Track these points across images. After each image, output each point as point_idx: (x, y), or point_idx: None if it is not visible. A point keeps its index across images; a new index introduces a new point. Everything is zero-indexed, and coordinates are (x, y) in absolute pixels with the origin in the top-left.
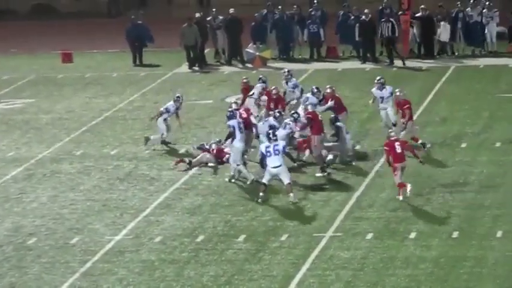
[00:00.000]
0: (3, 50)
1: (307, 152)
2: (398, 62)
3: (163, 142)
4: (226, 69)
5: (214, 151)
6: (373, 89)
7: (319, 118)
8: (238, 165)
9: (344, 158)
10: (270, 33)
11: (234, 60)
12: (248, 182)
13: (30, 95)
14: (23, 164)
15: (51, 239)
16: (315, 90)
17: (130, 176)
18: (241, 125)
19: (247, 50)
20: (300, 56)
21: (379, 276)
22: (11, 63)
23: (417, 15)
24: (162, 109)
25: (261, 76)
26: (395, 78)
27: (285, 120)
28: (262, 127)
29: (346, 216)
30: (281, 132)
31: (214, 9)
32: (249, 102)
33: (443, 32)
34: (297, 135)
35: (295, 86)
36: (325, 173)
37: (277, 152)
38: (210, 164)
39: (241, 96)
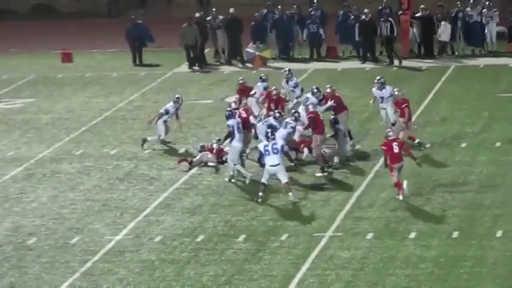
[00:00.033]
0: (3, 49)
1: (305, 151)
2: (398, 62)
3: (163, 142)
4: (226, 69)
5: (215, 150)
6: (373, 89)
7: (321, 118)
8: (235, 164)
9: (342, 160)
10: (270, 33)
11: (234, 60)
12: (247, 181)
13: (30, 95)
14: (22, 163)
15: (51, 239)
16: (315, 91)
17: (130, 176)
18: (240, 125)
19: (247, 49)
20: (300, 56)
21: (379, 276)
22: (11, 63)
23: (417, 15)
24: (162, 111)
25: (262, 75)
26: (395, 78)
27: (286, 120)
28: (262, 127)
29: (346, 216)
30: (282, 132)
31: (214, 9)
32: (251, 102)
33: (444, 31)
34: (296, 135)
35: (295, 85)
36: (325, 173)
37: (275, 151)
38: (209, 164)
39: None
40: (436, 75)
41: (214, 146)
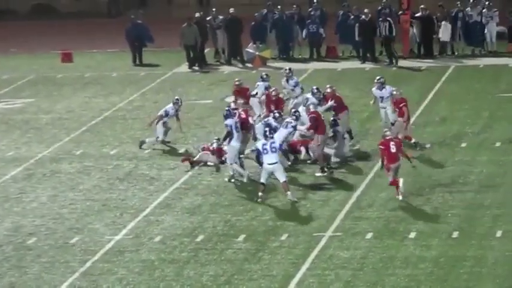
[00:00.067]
0: (3, 49)
1: (303, 151)
2: (398, 62)
3: (163, 142)
4: (226, 69)
5: (214, 150)
6: (373, 89)
7: (322, 118)
8: (231, 164)
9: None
10: (270, 33)
11: (233, 60)
12: (245, 180)
13: (29, 95)
14: (22, 163)
15: (51, 239)
16: (315, 91)
17: (130, 176)
18: (238, 124)
19: (247, 49)
20: (299, 56)
21: (379, 276)
22: (11, 63)
23: (417, 15)
24: (161, 113)
25: (262, 74)
26: (395, 77)
27: (286, 120)
28: (260, 127)
29: (346, 216)
30: (283, 132)
31: (214, 9)
32: (253, 102)
33: (444, 31)
34: (296, 135)
35: (296, 84)
36: (325, 173)
37: (273, 150)
38: (209, 163)
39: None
40: (436, 75)
41: (214, 145)
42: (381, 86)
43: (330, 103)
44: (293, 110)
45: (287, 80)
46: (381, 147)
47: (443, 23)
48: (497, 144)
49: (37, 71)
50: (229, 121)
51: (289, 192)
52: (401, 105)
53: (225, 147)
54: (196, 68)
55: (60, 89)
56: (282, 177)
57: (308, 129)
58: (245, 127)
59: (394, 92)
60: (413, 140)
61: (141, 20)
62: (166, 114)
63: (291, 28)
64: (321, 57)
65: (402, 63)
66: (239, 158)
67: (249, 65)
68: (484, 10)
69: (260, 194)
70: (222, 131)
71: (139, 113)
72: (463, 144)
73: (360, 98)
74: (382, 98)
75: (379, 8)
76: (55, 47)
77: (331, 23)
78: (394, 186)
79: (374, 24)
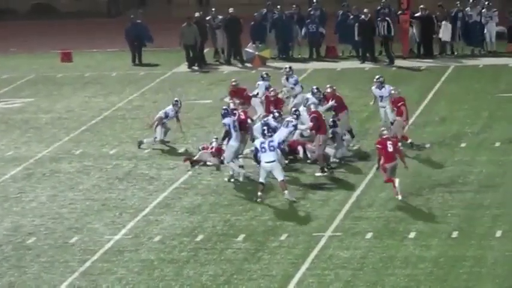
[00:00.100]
0: (3, 49)
1: (300, 150)
2: (398, 62)
3: (163, 142)
4: (225, 69)
5: (214, 149)
6: (373, 87)
7: (323, 117)
8: (228, 162)
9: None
10: (269, 33)
11: (233, 60)
12: (240, 179)
13: (29, 94)
14: (22, 163)
15: (50, 239)
16: (315, 91)
17: (129, 176)
18: (236, 123)
19: (247, 49)
20: (299, 56)
21: (379, 275)
22: (11, 63)
23: (416, 14)
24: (161, 115)
25: (263, 74)
26: (394, 77)
27: (287, 119)
28: (259, 127)
29: (346, 216)
30: (283, 131)
31: (213, 9)
32: (255, 102)
33: (445, 31)
34: (296, 135)
35: (296, 83)
36: (325, 173)
37: (272, 148)
38: (209, 163)
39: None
40: (436, 75)
41: (213, 144)
42: (380, 85)
43: (331, 103)
44: (293, 109)
45: (287, 78)
46: (378, 146)
47: (443, 23)
48: (497, 144)
49: (37, 71)
50: (227, 120)
51: (286, 192)
52: (399, 104)
53: (224, 147)
54: (195, 67)
55: (59, 89)
56: (280, 176)
57: (311, 129)
58: (243, 128)
59: (393, 91)
60: (409, 140)
61: (141, 20)
62: (166, 115)
63: (290, 28)
64: (321, 57)
65: (402, 63)
66: (237, 157)
67: (249, 64)
68: (483, 10)
69: (259, 193)
70: (221, 131)
71: (138, 113)
72: (463, 144)
73: (360, 98)
74: (381, 97)
75: (378, 7)
76: (55, 46)
77: (330, 22)
78: (395, 187)
79: (373, 24)
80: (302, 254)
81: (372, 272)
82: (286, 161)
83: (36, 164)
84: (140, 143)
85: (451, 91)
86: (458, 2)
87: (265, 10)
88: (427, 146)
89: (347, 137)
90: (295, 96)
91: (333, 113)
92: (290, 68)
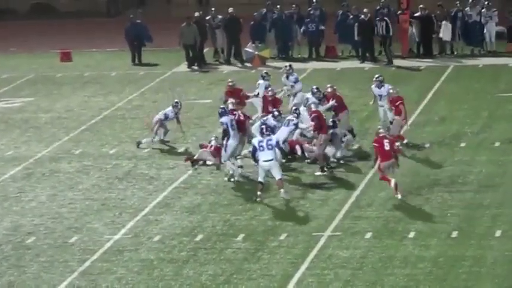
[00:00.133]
0: (3, 49)
1: (298, 150)
2: (397, 62)
3: (162, 141)
4: (225, 69)
5: (213, 148)
6: (372, 86)
7: (324, 117)
8: (225, 161)
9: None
10: (269, 33)
11: (233, 60)
12: (235, 178)
13: (29, 94)
14: (22, 163)
15: (50, 238)
16: (315, 90)
17: (129, 175)
18: (234, 122)
19: (246, 49)
20: (299, 55)
21: (378, 275)
22: (10, 62)
23: (416, 14)
24: (161, 116)
25: (263, 73)
26: (394, 77)
27: (287, 117)
28: (258, 125)
29: (345, 216)
30: (285, 130)
31: (213, 9)
32: (256, 103)
33: (445, 31)
34: (296, 135)
35: (296, 80)
36: (325, 172)
37: (270, 147)
38: (208, 162)
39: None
40: (435, 75)
41: (213, 143)
42: (380, 84)
43: (332, 102)
44: (294, 108)
45: (287, 77)
46: (374, 144)
47: (443, 22)
48: (497, 144)
49: (36, 70)
50: (224, 119)
51: (282, 190)
52: (397, 103)
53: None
54: (195, 67)
55: (59, 88)
56: (277, 174)
57: (314, 129)
58: (241, 129)
59: (391, 91)
60: (405, 141)
61: (140, 20)
62: (166, 117)
63: (290, 28)
64: (320, 57)
65: (401, 62)
66: (235, 157)
67: (248, 64)
68: (483, 10)
69: (259, 193)
70: (221, 131)
71: (138, 113)
72: (462, 144)
73: (359, 98)
74: (380, 96)
75: (378, 7)
76: (54, 46)
77: (330, 22)
78: (390, 185)
79: (373, 23)
80: (301, 254)
81: (371, 272)
82: (284, 160)
83: (35, 164)
84: (139, 143)
85: (450, 91)
86: (458, 2)
87: (264, 10)
88: (427, 145)
89: (348, 137)
90: (295, 95)
91: (333, 113)
92: (290, 66)
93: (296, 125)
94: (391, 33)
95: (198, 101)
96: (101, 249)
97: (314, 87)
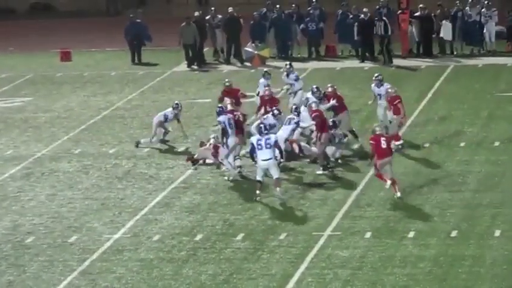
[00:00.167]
0: (2, 48)
1: (296, 147)
2: (397, 61)
3: (162, 141)
4: (225, 68)
5: (212, 146)
6: (372, 85)
7: (324, 116)
8: (222, 159)
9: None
10: (269, 32)
11: (232, 59)
12: (230, 178)
13: (28, 94)
14: (21, 162)
15: (49, 238)
16: (315, 90)
17: (128, 175)
18: (232, 121)
19: (246, 48)
20: (298, 55)
21: (378, 275)
22: (10, 62)
23: (416, 14)
24: (161, 118)
25: (264, 71)
26: (393, 77)
27: (288, 116)
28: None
29: (345, 215)
30: (286, 129)
31: (213, 8)
32: (258, 102)
33: (446, 30)
34: (296, 135)
35: (296, 78)
36: (326, 171)
37: (268, 146)
38: (208, 161)
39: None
40: (435, 75)
41: (212, 141)
42: (379, 83)
43: (332, 102)
44: (294, 107)
45: (287, 75)
46: (371, 142)
47: (444, 22)
48: (496, 143)
49: (36, 70)
50: (222, 118)
51: (278, 189)
52: (395, 102)
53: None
54: (195, 67)
55: (59, 88)
56: (275, 173)
57: (316, 129)
58: (240, 129)
59: (389, 90)
60: (400, 141)
61: (140, 19)
62: (166, 119)
63: (289, 27)
64: (320, 56)
65: (401, 62)
66: (234, 158)
67: (248, 64)
68: (483, 9)
69: (258, 192)
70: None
71: (138, 112)
72: (462, 144)
73: (359, 97)
74: (379, 95)
75: (377, 7)
76: (54, 45)
77: (330, 22)
78: (386, 185)
79: (373, 23)
80: (301, 253)
81: (371, 272)
82: (282, 160)
83: (35, 163)
84: (138, 143)
85: (450, 90)
86: (457, 2)
87: (264, 9)
88: (426, 145)
89: (349, 137)
90: (295, 93)
91: (333, 113)
92: (290, 64)
93: (297, 124)
94: (389, 33)
95: (197, 100)
96: (100, 248)
97: (314, 86)
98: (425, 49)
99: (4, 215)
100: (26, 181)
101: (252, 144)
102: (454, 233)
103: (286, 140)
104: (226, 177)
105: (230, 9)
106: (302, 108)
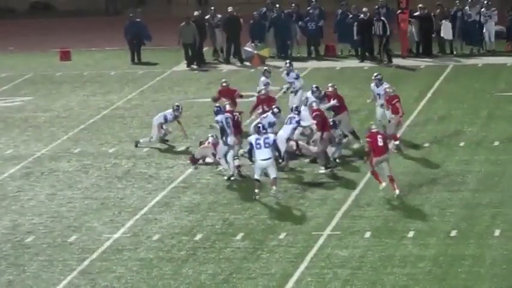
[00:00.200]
0: (2, 48)
1: (293, 145)
2: (396, 61)
3: (162, 141)
4: (224, 68)
5: (211, 145)
6: (372, 84)
7: (325, 115)
8: (219, 158)
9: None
10: (268, 32)
11: (232, 59)
12: (225, 177)
13: (28, 93)
14: (21, 162)
15: (49, 237)
16: (315, 89)
17: (128, 174)
18: (229, 120)
19: (246, 48)
20: (298, 55)
21: (377, 274)
22: (9, 61)
23: (415, 14)
24: (161, 120)
25: (265, 69)
26: (393, 76)
27: (289, 115)
28: (254, 126)
29: (344, 215)
30: (287, 128)
31: (212, 8)
32: None
33: (446, 30)
34: (296, 135)
35: (297, 77)
36: (328, 169)
37: (267, 145)
38: (208, 160)
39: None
40: (435, 74)
41: (210, 139)
42: (379, 82)
43: (333, 102)
44: (294, 106)
45: (287, 73)
46: (368, 139)
47: (443, 21)
48: (496, 143)
49: (35, 69)
50: (219, 117)
51: (274, 187)
52: (394, 101)
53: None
54: (194, 66)
55: (58, 87)
56: (273, 173)
57: (317, 129)
58: (238, 130)
59: (388, 89)
60: (397, 142)
61: (140, 18)
62: (165, 120)
63: (289, 27)
64: (320, 56)
65: (401, 62)
66: (233, 158)
67: (248, 63)
68: (482, 9)
69: (256, 190)
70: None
71: (137, 112)
72: (462, 143)
73: (359, 97)
74: (379, 94)
75: (376, 7)
76: (53, 45)
77: (329, 22)
78: (380, 187)
79: (372, 23)
80: (301, 253)
81: (370, 271)
82: (281, 160)
83: (35, 163)
84: (137, 143)
85: (450, 90)
86: (457, 1)
87: (264, 9)
88: (426, 145)
89: (349, 138)
90: (296, 92)
91: (333, 113)
92: (290, 62)
93: (298, 122)
94: (387, 33)
95: (197, 100)
96: (100, 248)
97: (314, 86)
98: (424, 49)
99: (4, 215)
100: (25, 180)
101: (251, 143)
102: (453, 233)
103: (288, 139)
104: (226, 177)
105: (230, 9)
106: (302, 107)
